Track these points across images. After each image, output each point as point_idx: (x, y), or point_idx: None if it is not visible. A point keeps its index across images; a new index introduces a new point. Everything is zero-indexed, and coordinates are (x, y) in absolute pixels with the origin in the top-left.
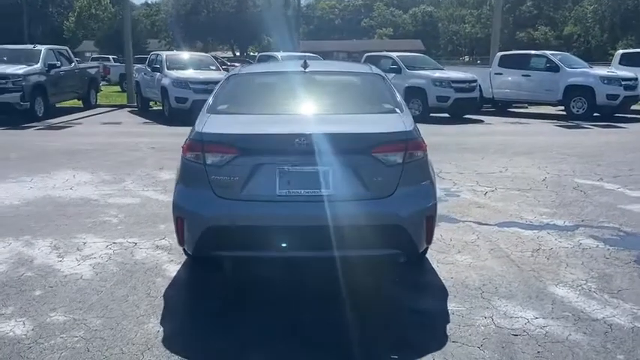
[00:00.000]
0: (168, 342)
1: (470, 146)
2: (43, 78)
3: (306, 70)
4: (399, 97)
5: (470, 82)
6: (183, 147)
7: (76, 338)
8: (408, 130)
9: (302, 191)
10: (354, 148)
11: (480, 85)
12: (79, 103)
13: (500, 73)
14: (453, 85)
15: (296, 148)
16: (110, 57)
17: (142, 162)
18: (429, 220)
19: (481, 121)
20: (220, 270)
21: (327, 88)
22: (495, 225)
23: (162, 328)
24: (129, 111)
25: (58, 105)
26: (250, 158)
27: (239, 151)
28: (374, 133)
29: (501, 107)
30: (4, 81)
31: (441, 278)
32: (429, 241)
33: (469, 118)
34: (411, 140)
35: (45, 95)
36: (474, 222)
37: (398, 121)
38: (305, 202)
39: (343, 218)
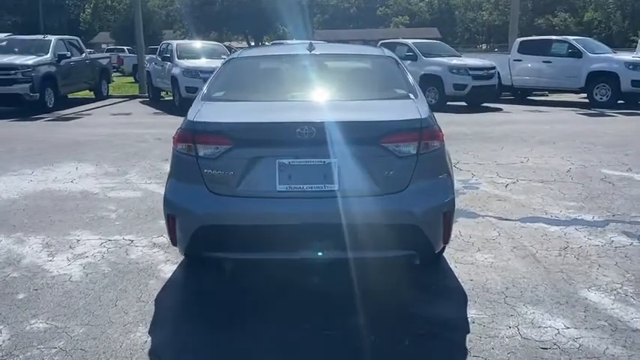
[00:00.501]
0: (156, 355)
1: (489, 135)
2: (53, 68)
3: (312, 53)
4: (413, 82)
5: (488, 69)
6: (174, 138)
7: (55, 350)
8: (423, 117)
9: (304, 186)
10: (363, 138)
11: (498, 73)
12: (90, 94)
13: (520, 60)
14: (471, 72)
15: (298, 138)
16: (125, 48)
17: (147, 153)
18: (447, 217)
19: (500, 110)
20: (219, 272)
21: (334, 73)
22: (518, 220)
23: (150, 338)
24: (140, 101)
25: (70, 96)
26: (247, 150)
27: (234, 142)
28: (384, 121)
29: (520, 95)
30: (13, 72)
31: (460, 281)
32: (446, 240)
33: (487, 107)
34: (426, 129)
35: (55, 86)
36: (494, 217)
37: (411, 108)
38: (308, 199)
39: (350, 216)
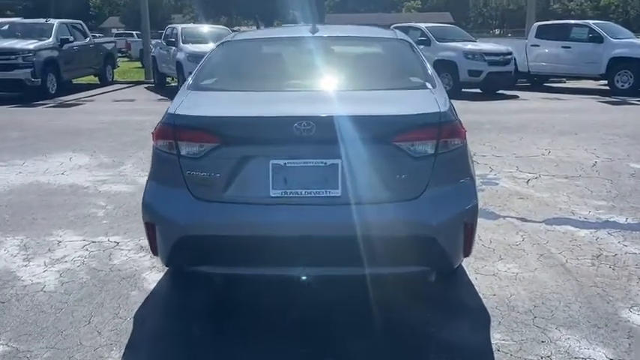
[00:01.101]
0: None
1: (506, 125)
2: (55, 53)
3: (315, 36)
4: (430, 69)
5: (504, 54)
6: (153, 133)
7: None
8: (443, 110)
9: (302, 192)
10: (371, 136)
11: (514, 58)
12: (95, 80)
13: (537, 45)
14: (487, 58)
15: (295, 135)
16: (134, 33)
17: (146, 143)
18: (468, 228)
19: (516, 97)
20: (208, 284)
21: (339, 58)
22: (543, 222)
23: None
24: (145, 87)
25: (75, 81)
26: (236, 149)
27: (221, 140)
28: (397, 116)
29: (537, 82)
30: (14, 56)
31: (481, 296)
32: (467, 252)
33: (503, 94)
34: (445, 124)
35: (57, 71)
36: (516, 218)
37: (429, 100)
38: (306, 207)
39: (355, 227)
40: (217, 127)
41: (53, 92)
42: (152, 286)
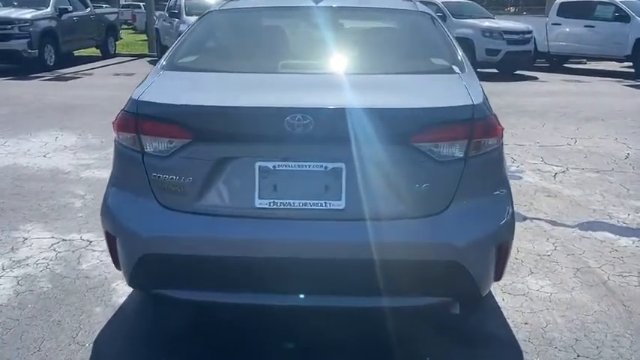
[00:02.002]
0: None
1: (526, 109)
2: (53, 23)
3: (319, 5)
4: (458, 49)
5: (524, 33)
6: (114, 123)
7: None
8: (476, 103)
9: (296, 203)
10: (385, 134)
11: (534, 37)
12: (97, 52)
13: (559, 24)
14: (505, 36)
15: (288, 131)
16: (141, 4)
17: None
18: (502, 250)
19: (535, 78)
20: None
21: (346, 34)
22: (576, 226)
23: None
24: (148, 61)
25: (76, 53)
26: (213, 146)
27: (195, 135)
28: (417, 109)
29: (556, 62)
30: (9, 26)
31: (510, 324)
32: (498, 277)
33: (521, 75)
34: (479, 121)
35: (56, 42)
36: (545, 220)
37: (458, 88)
38: (300, 221)
39: (361, 249)
40: (190, 119)
41: (51, 64)
42: (121, 300)
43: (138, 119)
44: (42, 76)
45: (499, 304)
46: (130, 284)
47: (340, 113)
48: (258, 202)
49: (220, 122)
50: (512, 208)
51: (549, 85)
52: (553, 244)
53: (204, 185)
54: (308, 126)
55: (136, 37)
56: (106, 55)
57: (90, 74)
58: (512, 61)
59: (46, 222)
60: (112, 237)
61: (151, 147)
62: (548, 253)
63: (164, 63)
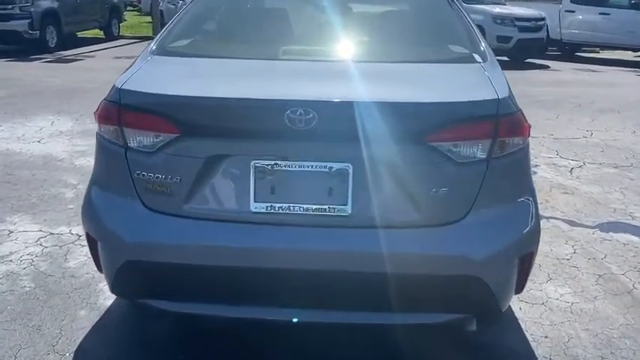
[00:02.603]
0: None
1: (539, 99)
2: (55, 4)
3: None
4: (479, 36)
5: (537, 20)
6: (95, 114)
7: None
8: (502, 97)
9: (296, 207)
10: (397, 131)
11: (547, 25)
12: (100, 34)
13: (572, 11)
14: (517, 23)
15: (288, 127)
16: None
17: None
18: (525, 262)
19: (547, 67)
20: None
21: (355, 18)
22: (596, 227)
23: None
24: None
25: (80, 35)
26: (204, 142)
27: (184, 129)
28: (434, 104)
29: (568, 51)
30: (10, 6)
31: (529, 338)
32: (519, 289)
33: (532, 63)
34: (505, 117)
35: (58, 23)
36: (563, 220)
37: (480, 79)
38: (301, 228)
39: (368, 260)
40: (178, 111)
41: (53, 46)
42: (108, 302)
43: (121, 110)
44: (43, 58)
45: (516, 314)
46: (113, 292)
47: (347, 107)
48: (254, 206)
49: (212, 115)
50: (538, 215)
51: (562, 74)
52: (572, 246)
53: (194, 186)
54: (311, 121)
55: (140, 19)
56: (110, 37)
57: (92, 57)
58: (524, 49)
59: (34, 213)
60: (93, 240)
61: (135, 141)
62: (568, 257)
63: (154, 47)
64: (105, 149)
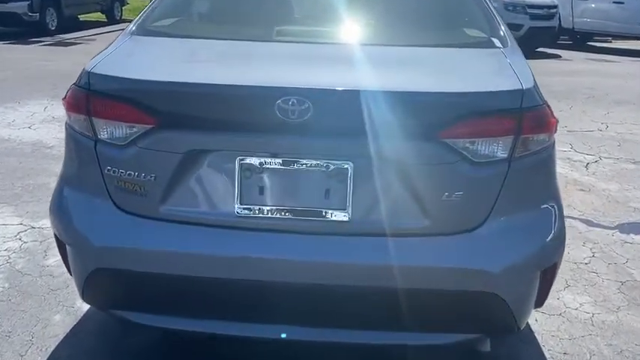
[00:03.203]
0: None
1: (551, 89)
2: None
3: None
4: (497, 17)
5: (549, 7)
6: (63, 100)
7: None
8: (526, 87)
9: (287, 211)
10: (406, 125)
11: (559, 13)
12: (103, 17)
13: None
14: (529, 10)
15: (279, 119)
16: None
17: None
18: (548, 275)
19: (558, 57)
20: None
21: None
22: (615, 228)
23: None
24: None
25: (82, 18)
26: (183, 135)
27: (160, 120)
28: (449, 94)
29: (580, 40)
30: None
31: (546, 354)
32: (540, 304)
33: (543, 52)
34: (530, 111)
35: (58, 6)
36: (580, 219)
37: (501, 67)
38: (292, 235)
39: (370, 272)
40: (154, 99)
41: (53, 29)
42: (85, 307)
43: (90, 97)
44: (42, 41)
45: (532, 326)
46: (83, 300)
47: (348, 96)
48: (240, 208)
49: (192, 104)
50: (563, 222)
51: (574, 64)
52: (591, 249)
53: (171, 185)
54: (306, 112)
55: (144, 2)
56: (112, 20)
57: (93, 40)
58: (535, 38)
59: (16, 205)
60: (62, 244)
61: (106, 133)
62: (586, 261)
63: (133, 27)
64: (73, 142)
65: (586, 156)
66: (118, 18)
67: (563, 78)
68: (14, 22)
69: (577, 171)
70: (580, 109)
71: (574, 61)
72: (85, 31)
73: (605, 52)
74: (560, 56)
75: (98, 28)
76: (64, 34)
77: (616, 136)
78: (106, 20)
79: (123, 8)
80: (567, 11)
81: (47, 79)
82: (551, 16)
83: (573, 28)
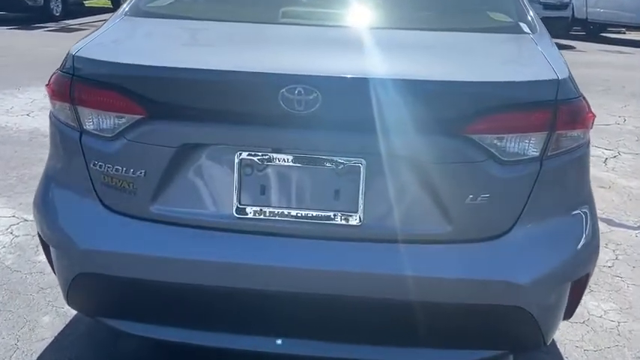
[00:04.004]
0: None
1: None
2: None
3: None
4: (525, 1)
5: None
6: (46, 87)
7: None
8: (561, 78)
9: (291, 212)
10: (426, 119)
11: (572, 3)
12: (108, 4)
13: None
14: (542, 0)
15: (284, 110)
16: None
17: None
18: (580, 286)
19: (572, 48)
20: None
21: None
22: (639, 229)
23: None
24: None
25: (87, 4)
26: (176, 127)
27: (150, 109)
28: (475, 84)
29: (593, 31)
30: None
31: None
32: (568, 316)
33: (556, 43)
34: (566, 104)
35: None
36: (601, 219)
37: (532, 55)
38: (298, 240)
39: (383, 283)
40: (144, 86)
41: (58, 15)
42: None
43: (74, 83)
44: (46, 27)
45: (554, 337)
46: (69, 305)
47: (361, 85)
48: (238, 210)
49: (187, 92)
50: (597, 229)
51: (588, 55)
52: (614, 251)
53: (162, 182)
54: (314, 102)
55: None
56: (117, 6)
57: (97, 26)
58: (548, 28)
59: (9, 196)
60: (45, 244)
61: (92, 124)
62: (609, 264)
63: (127, 8)
64: (58, 133)
65: (604, 151)
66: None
67: (578, 70)
68: (19, 7)
69: (595, 166)
70: (596, 102)
71: (588, 52)
72: (90, 17)
73: (620, 44)
74: (574, 47)
75: (104, 15)
76: (69, 19)
77: (634, 130)
78: (111, 6)
79: None
80: (581, 1)
81: (49, 66)
82: (564, 6)
83: (587, 18)
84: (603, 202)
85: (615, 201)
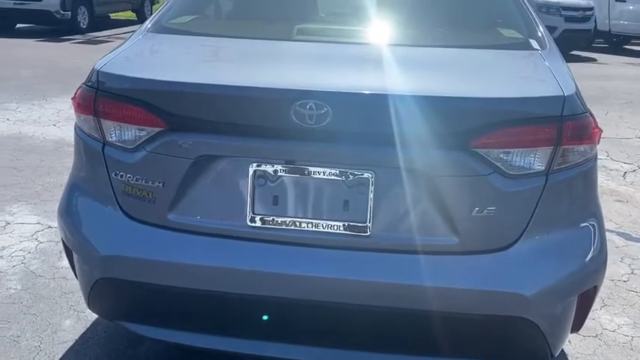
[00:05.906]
0: None
1: (586, 94)
2: None
3: None
4: (535, 16)
5: (584, 9)
6: (72, 100)
7: None
8: (567, 94)
9: (303, 222)
10: (434, 133)
11: (595, 15)
12: (133, 16)
13: (623, 1)
14: (564, 12)
15: (296, 125)
16: None
17: None
18: (587, 298)
19: (594, 60)
20: None
21: None
22: None
23: None
24: None
25: (112, 17)
26: (193, 140)
27: (169, 122)
28: (482, 99)
29: (616, 43)
30: None
31: None
32: (577, 328)
33: (578, 56)
34: (571, 119)
35: (90, 4)
36: (617, 233)
37: (540, 71)
38: (309, 249)
39: (391, 292)
40: (164, 100)
41: (84, 27)
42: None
43: (97, 97)
44: (73, 39)
45: (565, 349)
46: (89, 308)
47: (371, 100)
48: (252, 219)
49: (204, 107)
50: (604, 241)
51: (610, 68)
52: (629, 265)
53: (180, 191)
54: (324, 117)
55: None
56: (142, 19)
57: (122, 39)
58: (570, 40)
59: (35, 203)
60: (68, 250)
61: (114, 136)
62: (624, 279)
63: (149, 24)
64: (82, 144)
65: (623, 165)
66: (148, 17)
67: (599, 82)
68: (47, 20)
69: (614, 180)
70: (617, 115)
71: (610, 65)
72: (116, 30)
73: None
74: (596, 60)
75: (128, 27)
76: (95, 32)
77: None
78: (136, 18)
79: (153, 7)
80: (604, 13)
81: (76, 77)
82: (586, 19)
83: (610, 30)
84: (620, 216)
85: (633, 215)
